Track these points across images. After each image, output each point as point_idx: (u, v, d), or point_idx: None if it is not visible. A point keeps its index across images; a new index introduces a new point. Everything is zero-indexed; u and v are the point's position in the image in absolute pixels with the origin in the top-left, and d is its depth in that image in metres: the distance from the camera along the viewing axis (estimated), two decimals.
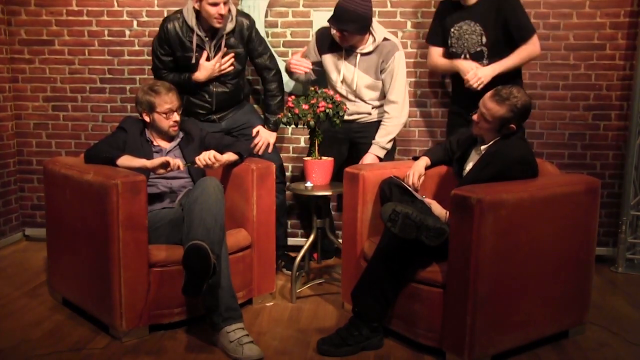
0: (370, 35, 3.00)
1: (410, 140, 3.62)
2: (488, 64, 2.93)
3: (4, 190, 3.75)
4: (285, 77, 3.27)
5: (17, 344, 2.37)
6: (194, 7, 2.93)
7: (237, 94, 3.20)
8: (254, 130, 3.15)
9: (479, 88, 2.84)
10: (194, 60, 3.00)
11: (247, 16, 3.12)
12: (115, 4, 3.63)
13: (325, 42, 3.08)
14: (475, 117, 2.46)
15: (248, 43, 3.10)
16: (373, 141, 3.05)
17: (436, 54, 3.15)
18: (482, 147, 2.47)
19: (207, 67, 2.98)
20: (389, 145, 3.07)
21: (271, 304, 2.85)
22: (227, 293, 2.34)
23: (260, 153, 3.13)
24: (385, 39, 3.01)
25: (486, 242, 2.08)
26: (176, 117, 2.73)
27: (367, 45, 3.00)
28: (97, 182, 2.36)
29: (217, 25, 2.94)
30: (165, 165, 2.54)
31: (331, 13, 2.91)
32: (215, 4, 2.85)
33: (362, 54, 3.01)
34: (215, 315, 2.32)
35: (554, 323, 2.40)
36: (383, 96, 3.09)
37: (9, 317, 2.64)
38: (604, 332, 2.55)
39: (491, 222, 2.08)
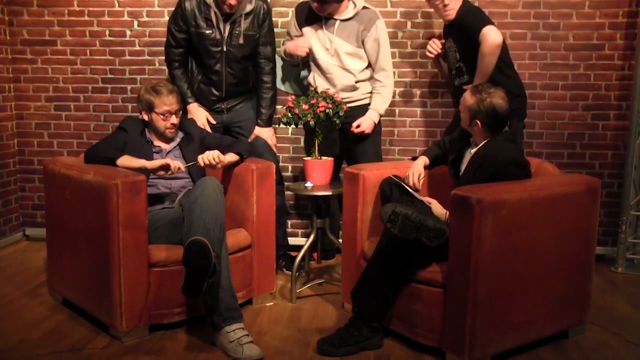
0: (350, 2, 3.03)
1: (410, 140, 3.62)
2: (468, 79, 2.92)
3: (4, 190, 3.76)
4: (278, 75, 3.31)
5: (17, 344, 2.37)
6: None
7: (246, 81, 3.22)
8: (252, 137, 3.17)
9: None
10: (213, 35, 3.03)
11: (265, 0, 3.15)
12: (116, 4, 3.64)
13: (304, 15, 3.12)
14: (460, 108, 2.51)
15: (260, 28, 3.12)
16: (371, 107, 3.11)
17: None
18: (473, 150, 2.47)
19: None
20: (384, 111, 3.16)
21: (271, 304, 2.85)
22: (227, 293, 2.34)
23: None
24: (364, 7, 3.05)
25: (486, 242, 2.08)
26: (174, 119, 2.72)
27: (347, 12, 3.03)
28: (97, 182, 2.37)
29: (226, 10, 2.97)
30: (166, 167, 2.55)
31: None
32: None
33: (342, 20, 3.04)
34: (216, 315, 2.32)
35: (554, 323, 2.40)
36: (367, 67, 3.12)
37: (9, 317, 2.64)
38: (604, 332, 2.55)
39: (491, 222, 2.08)
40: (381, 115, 3.15)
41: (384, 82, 3.11)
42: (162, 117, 2.70)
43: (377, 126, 3.18)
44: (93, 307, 2.53)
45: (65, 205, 2.61)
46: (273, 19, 3.25)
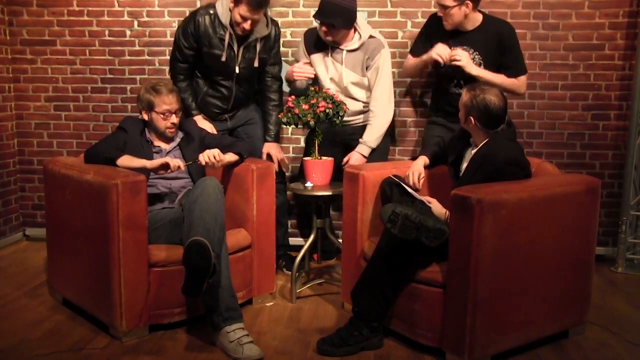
0: (356, 32, 3.02)
1: (410, 141, 3.62)
2: None
3: (4, 190, 3.76)
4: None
5: (17, 344, 2.37)
6: (229, 7, 2.90)
7: (251, 96, 3.26)
8: (264, 155, 3.16)
9: (456, 61, 2.84)
10: (224, 59, 2.98)
11: (276, 24, 3.14)
12: (116, 4, 3.64)
13: (312, 42, 3.10)
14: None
15: (271, 50, 3.12)
16: (360, 140, 3.05)
17: (410, 61, 3.14)
18: (473, 151, 2.46)
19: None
20: (376, 144, 3.06)
21: (271, 304, 2.85)
22: (227, 293, 2.34)
23: (284, 171, 3.22)
24: (371, 37, 3.02)
25: (486, 242, 2.08)
26: (174, 119, 2.72)
27: (353, 42, 3.02)
28: (97, 182, 2.37)
29: (239, 33, 2.94)
30: (165, 166, 2.54)
31: None
32: (245, 19, 2.85)
33: (348, 51, 3.02)
34: (216, 315, 2.32)
35: (554, 323, 2.40)
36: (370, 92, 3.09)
37: (9, 317, 2.64)
38: (604, 332, 2.55)
39: (491, 222, 2.08)
40: (373, 149, 3.06)
41: (375, 112, 3.03)
42: (162, 116, 2.69)
43: (383, 144, 3.11)
44: (93, 307, 2.53)
45: (65, 205, 2.61)
46: (273, 18, 3.25)
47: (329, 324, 2.59)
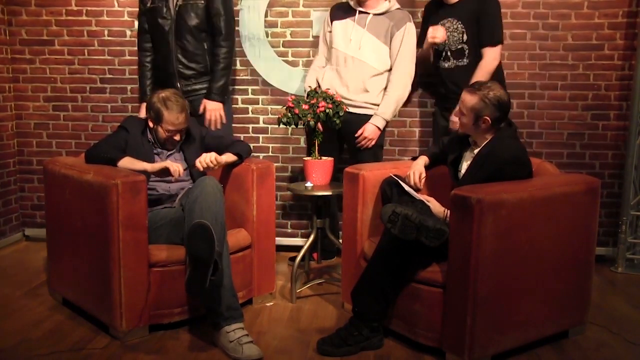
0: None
1: (410, 141, 3.62)
2: (468, 63, 3.00)
3: (4, 190, 3.75)
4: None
5: (17, 344, 2.37)
6: None
7: (198, 67, 3.14)
8: (201, 107, 3.12)
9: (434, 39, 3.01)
10: (161, 6, 3.06)
11: None
12: (116, 4, 3.64)
13: (339, 12, 3.15)
14: (454, 114, 2.47)
15: None
16: (376, 112, 3.05)
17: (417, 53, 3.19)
18: (476, 151, 2.45)
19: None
20: (391, 116, 3.07)
21: (271, 304, 2.85)
22: (229, 292, 2.34)
23: (216, 128, 3.12)
24: (398, 9, 3.08)
25: (486, 242, 2.08)
26: (177, 137, 2.69)
27: (381, 6, 3.05)
28: (97, 182, 2.36)
29: None
30: (166, 171, 2.53)
31: None
32: None
33: (375, 14, 3.05)
34: (216, 315, 2.32)
35: (554, 323, 2.40)
36: (382, 74, 3.08)
37: (9, 317, 2.64)
38: (604, 332, 2.56)
39: (491, 222, 2.08)
40: (387, 122, 3.06)
41: (394, 82, 3.04)
42: (167, 133, 2.66)
43: (380, 138, 3.12)
44: (93, 307, 2.53)
45: (65, 205, 2.61)
46: (273, 18, 3.25)
47: (329, 324, 2.59)
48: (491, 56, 2.98)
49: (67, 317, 2.64)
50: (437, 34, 3.00)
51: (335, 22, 3.13)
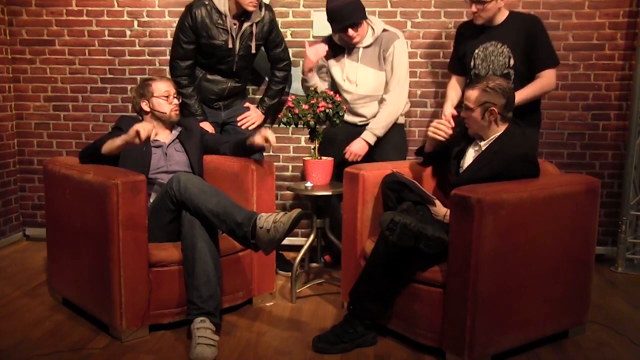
0: (369, 28, 3.05)
1: (410, 140, 3.60)
2: (514, 89, 2.70)
3: (4, 190, 3.76)
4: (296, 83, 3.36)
5: (17, 344, 2.37)
6: None
7: (245, 87, 3.37)
8: (245, 103, 3.28)
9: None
10: (230, 45, 3.04)
11: (270, 7, 3.19)
12: (116, 4, 3.64)
13: (329, 51, 3.11)
14: (462, 114, 2.46)
15: (268, 34, 3.17)
16: (367, 127, 3.06)
17: (452, 83, 3.11)
18: (482, 143, 2.44)
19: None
20: (381, 132, 3.05)
21: (271, 304, 2.85)
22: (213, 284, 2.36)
23: (245, 127, 3.25)
24: (384, 30, 3.06)
25: (486, 242, 2.08)
26: (175, 101, 2.77)
27: (367, 38, 3.05)
28: (97, 182, 2.36)
29: (251, 9, 2.97)
30: (138, 134, 2.37)
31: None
32: None
33: (364, 48, 3.05)
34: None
35: (554, 323, 2.40)
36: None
37: (9, 317, 2.64)
38: (604, 332, 2.55)
39: (491, 222, 2.08)
40: (378, 137, 3.04)
41: (386, 100, 3.04)
42: (164, 99, 2.73)
43: (398, 133, 3.14)
44: (93, 307, 2.53)
45: (65, 205, 2.61)
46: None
47: (329, 324, 2.58)
48: (553, 78, 2.84)
49: (67, 317, 2.64)
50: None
51: (330, 62, 3.14)
